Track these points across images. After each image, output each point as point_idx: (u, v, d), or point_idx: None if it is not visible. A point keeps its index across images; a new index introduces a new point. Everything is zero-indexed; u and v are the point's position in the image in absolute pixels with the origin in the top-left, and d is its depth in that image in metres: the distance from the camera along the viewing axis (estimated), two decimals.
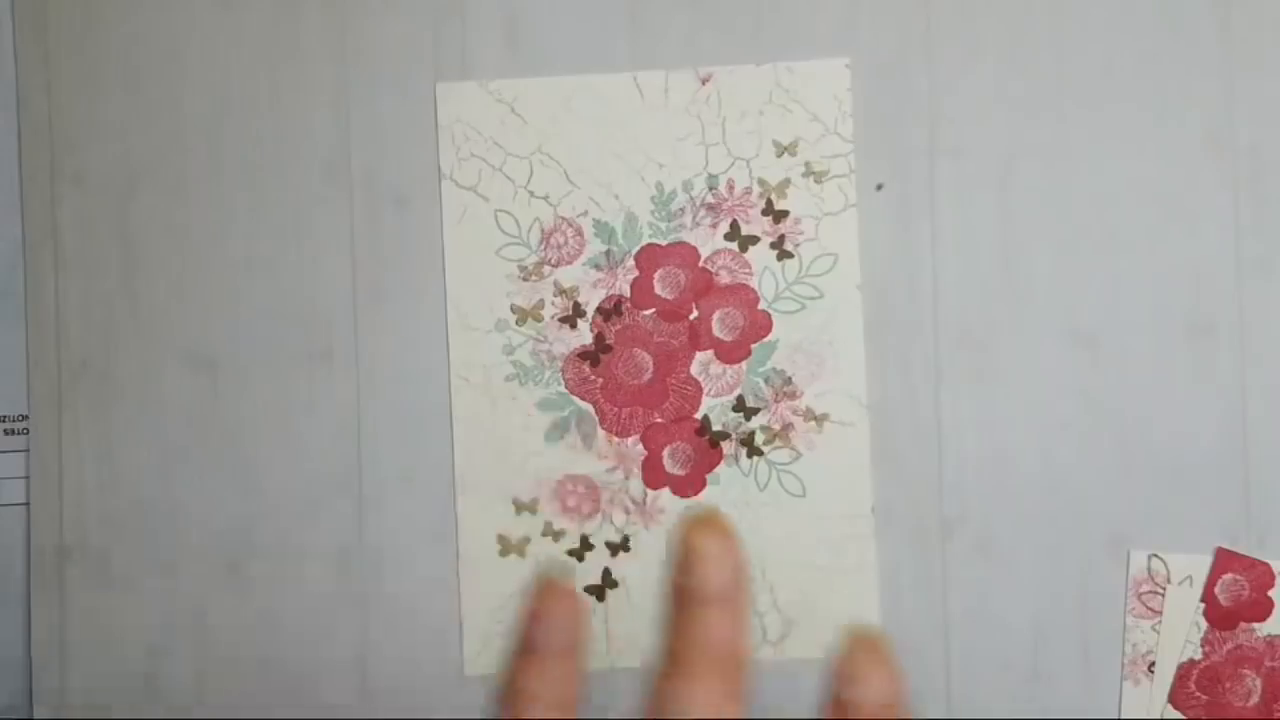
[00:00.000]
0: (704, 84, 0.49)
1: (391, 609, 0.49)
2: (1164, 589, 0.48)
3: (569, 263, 0.49)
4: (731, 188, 0.49)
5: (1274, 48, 0.48)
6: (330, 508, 0.49)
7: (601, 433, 0.49)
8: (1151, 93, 0.49)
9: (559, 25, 0.49)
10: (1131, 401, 0.48)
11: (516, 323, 0.49)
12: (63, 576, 0.49)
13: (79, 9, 0.50)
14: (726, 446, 0.49)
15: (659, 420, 0.49)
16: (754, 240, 0.49)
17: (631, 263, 0.49)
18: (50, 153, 0.50)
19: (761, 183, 0.49)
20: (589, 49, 0.49)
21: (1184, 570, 0.48)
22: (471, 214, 0.49)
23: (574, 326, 0.49)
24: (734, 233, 0.49)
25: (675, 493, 0.49)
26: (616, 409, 0.49)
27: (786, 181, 0.49)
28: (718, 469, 0.49)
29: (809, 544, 0.49)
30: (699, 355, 0.49)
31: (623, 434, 0.49)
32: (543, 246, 0.49)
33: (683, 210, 0.49)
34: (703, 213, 0.49)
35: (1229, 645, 0.48)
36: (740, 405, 0.49)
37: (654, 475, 0.49)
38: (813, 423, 0.49)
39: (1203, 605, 0.48)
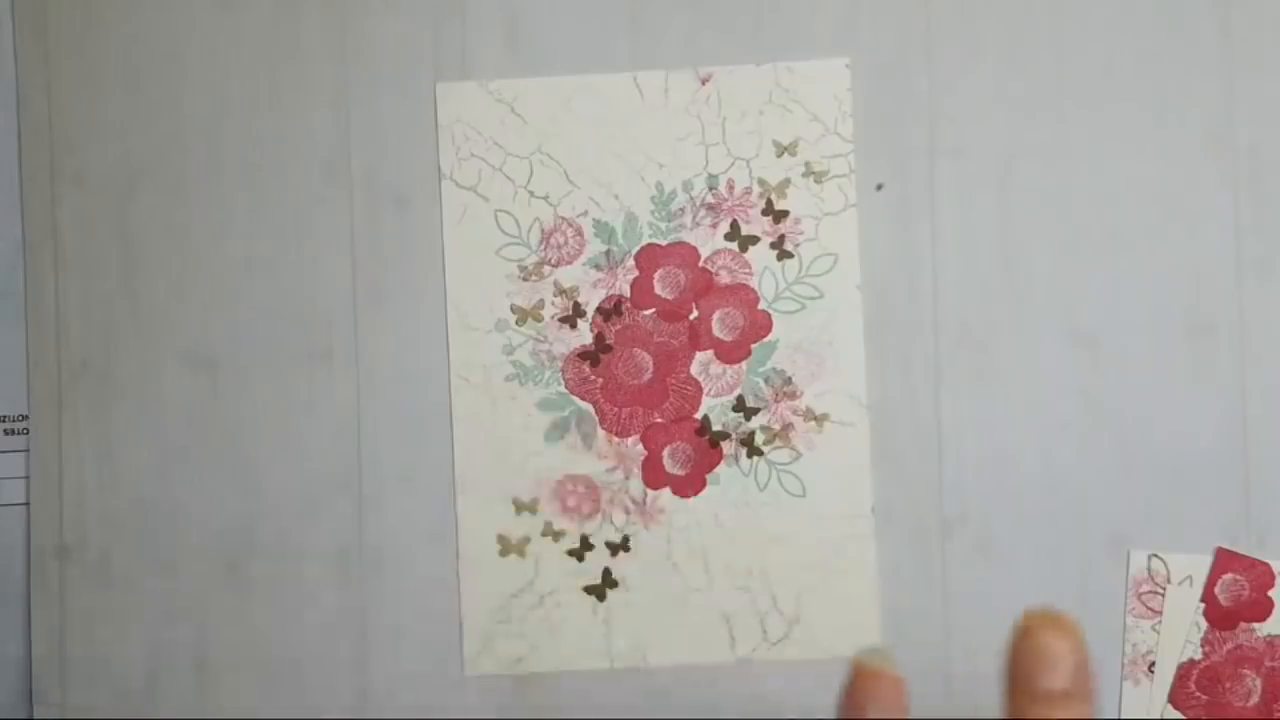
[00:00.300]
0: (704, 84, 0.49)
1: (391, 609, 0.49)
2: (1164, 589, 0.48)
3: (569, 263, 0.49)
4: (731, 188, 0.49)
5: (1274, 48, 0.48)
6: (330, 508, 0.49)
7: (601, 433, 0.49)
8: (1151, 93, 0.49)
9: (559, 25, 0.49)
10: (1131, 401, 0.48)
11: (516, 323, 0.49)
12: (63, 576, 0.49)
13: (79, 9, 0.50)
14: (726, 446, 0.49)
15: (659, 420, 0.49)
16: (754, 240, 0.49)
17: (631, 263, 0.49)
18: (50, 153, 0.50)
19: (761, 183, 0.49)
20: (589, 49, 0.49)
21: (1184, 570, 0.48)
22: (471, 214, 0.49)
23: (574, 326, 0.49)
24: (734, 233, 0.49)
25: (675, 493, 0.49)
26: (616, 409, 0.49)
27: (786, 181, 0.49)
28: (718, 469, 0.49)
29: (809, 544, 0.49)
30: (699, 355, 0.49)
31: (623, 434, 0.49)
32: (543, 246, 0.49)
33: (683, 210, 0.49)
34: (703, 213, 0.49)
35: (1229, 645, 0.48)
36: (740, 405, 0.49)
37: (654, 475, 0.49)
38: (813, 423, 0.49)
39: (1203, 605, 0.48)
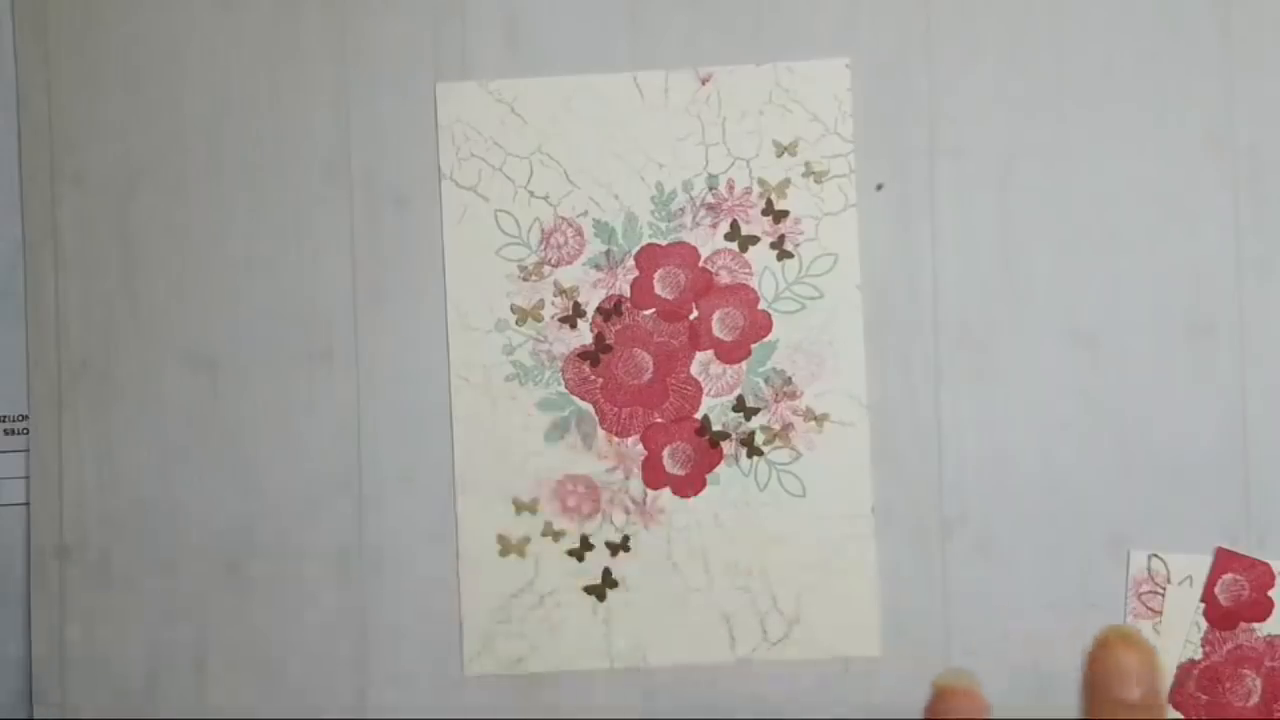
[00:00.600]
0: (704, 84, 0.49)
1: (391, 609, 0.49)
2: (1164, 589, 0.48)
3: (569, 263, 0.49)
4: (731, 188, 0.49)
5: (1274, 48, 0.48)
6: (330, 508, 0.49)
7: (601, 433, 0.49)
8: (1151, 93, 0.49)
9: (559, 25, 0.49)
10: (1131, 401, 0.48)
11: (516, 323, 0.49)
12: (63, 576, 0.49)
13: (79, 9, 0.50)
14: (726, 446, 0.49)
15: (659, 420, 0.49)
16: (754, 240, 0.49)
17: (631, 263, 0.49)
18: (50, 153, 0.50)
19: (761, 183, 0.49)
20: (589, 49, 0.49)
21: (1184, 570, 0.48)
22: (471, 214, 0.49)
23: (574, 326, 0.49)
24: (734, 233, 0.49)
25: (675, 493, 0.49)
26: (616, 409, 0.49)
27: (786, 181, 0.49)
28: (718, 469, 0.49)
29: (809, 544, 0.49)
30: (699, 355, 0.49)
31: (623, 434, 0.49)
32: (543, 246, 0.49)
33: (683, 210, 0.49)
34: (703, 213, 0.49)
35: (1229, 645, 0.48)
36: (740, 405, 0.49)
37: (654, 475, 0.49)
38: (813, 423, 0.49)
39: (1203, 605, 0.48)
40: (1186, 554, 0.48)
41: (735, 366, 0.49)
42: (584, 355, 0.49)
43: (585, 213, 0.49)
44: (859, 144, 0.49)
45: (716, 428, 0.49)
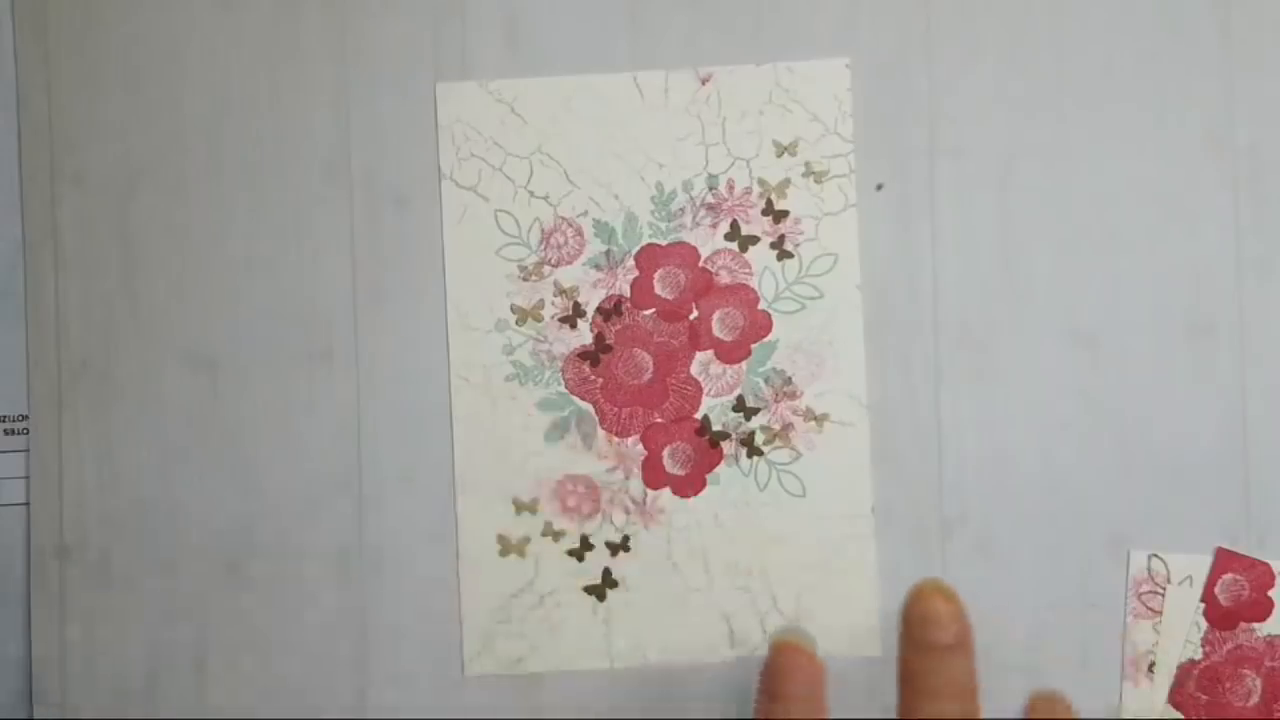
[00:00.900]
0: (704, 84, 0.49)
1: (391, 609, 0.49)
2: (1164, 589, 0.48)
3: (569, 263, 0.49)
4: (731, 188, 0.49)
5: (1274, 48, 0.49)
6: (330, 508, 0.49)
7: (601, 433, 0.49)
8: (1151, 93, 0.49)
9: (559, 25, 0.49)
10: (1131, 401, 0.48)
11: (516, 323, 0.49)
12: (63, 576, 0.49)
13: (79, 9, 0.50)
14: (726, 446, 0.49)
15: (659, 420, 0.49)
16: (754, 240, 0.49)
17: (631, 263, 0.49)
18: (50, 153, 0.50)
19: (761, 183, 0.49)
20: (589, 49, 0.49)
21: (1184, 570, 0.48)
22: (471, 214, 0.49)
23: (574, 326, 0.49)
24: (734, 233, 0.49)
25: (675, 493, 0.49)
26: (616, 409, 0.49)
27: (786, 181, 0.49)
28: (718, 469, 0.49)
29: (809, 544, 0.49)
30: (699, 355, 0.49)
31: (623, 434, 0.49)
32: (543, 246, 0.49)
33: (683, 210, 0.49)
34: (703, 213, 0.49)
35: (1229, 645, 0.48)
36: (740, 405, 0.49)
37: (654, 475, 0.49)
38: (813, 423, 0.49)
39: (1203, 605, 0.48)
40: (1186, 554, 0.48)
41: (735, 366, 0.49)
42: (584, 355, 0.49)
43: (585, 213, 0.49)
44: (859, 144, 0.49)
45: (716, 428, 0.49)
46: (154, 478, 0.49)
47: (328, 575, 0.49)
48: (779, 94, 0.49)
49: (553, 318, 0.49)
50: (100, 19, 0.50)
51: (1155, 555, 0.48)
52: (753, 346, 0.49)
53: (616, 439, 0.49)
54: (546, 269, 0.49)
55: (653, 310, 0.49)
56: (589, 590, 0.49)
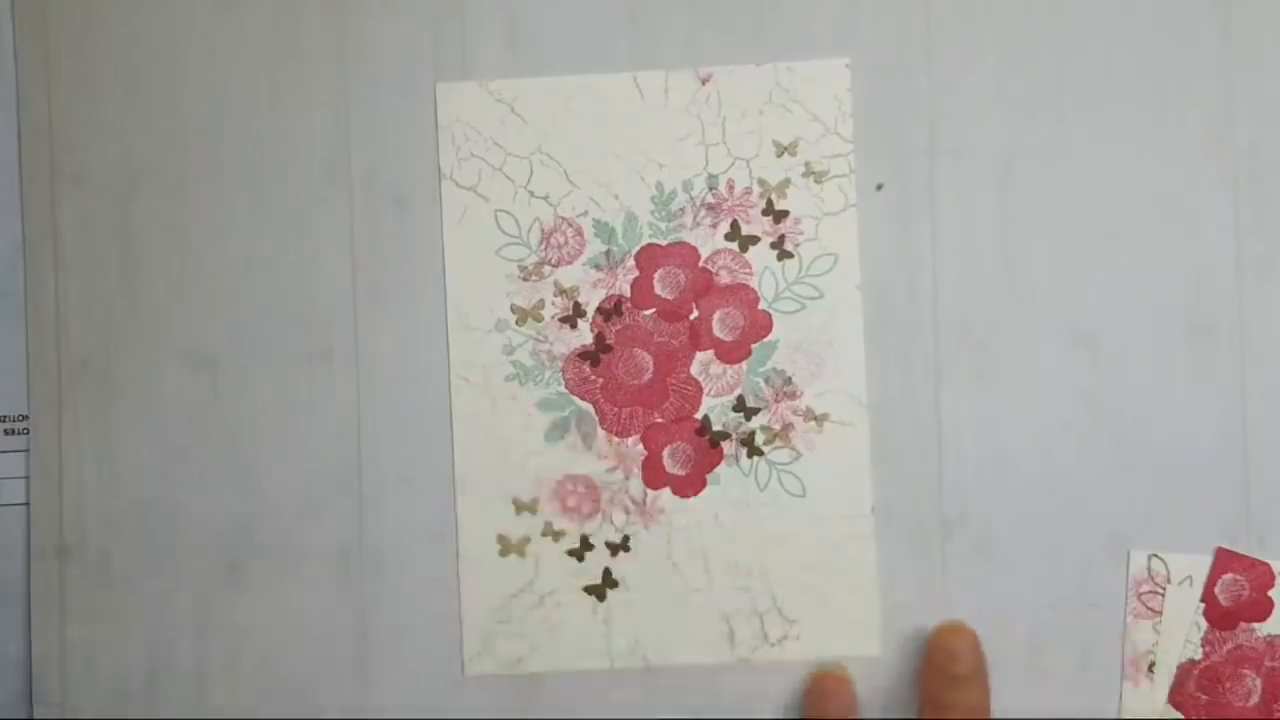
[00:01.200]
0: (704, 84, 0.49)
1: (391, 609, 0.49)
2: (1164, 589, 0.48)
3: (569, 263, 0.49)
4: (731, 188, 0.49)
5: (1274, 48, 0.49)
6: (330, 508, 0.49)
7: (601, 433, 0.49)
8: (1151, 93, 0.49)
9: (559, 25, 0.49)
10: (1131, 401, 0.48)
11: (516, 323, 0.49)
12: (63, 576, 0.49)
13: (79, 9, 0.50)
14: (727, 446, 0.49)
15: (659, 420, 0.49)
16: (754, 240, 0.49)
17: (631, 263, 0.49)
18: (50, 153, 0.50)
19: (761, 183, 0.49)
20: (589, 49, 0.49)
21: (1184, 570, 0.48)
22: (471, 214, 0.49)
23: (574, 326, 0.49)
24: (734, 233, 0.49)
25: (675, 493, 0.49)
26: (616, 409, 0.49)
27: (786, 181, 0.49)
28: (718, 469, 0.49)
29: (809, 544, 0.49)
30: (699, 355, 0.49)
31: (623, 434, 0.49)
32: (543, 246, 0.49)
33: (683, 210, 0.49)
34: (703, 213, 0.49)
35: (1229, 645, 0.48)
36: (740, 405, 0.49)
37: (654, 475, 0.49)
38: (813, 423, 0.49)
39: (1203, 605, 0.48)
40: (1186, 554, 0.48)
41: (735, 366, 0.49)
42: (584, 355, 0.49)
43: (585, 213, 0.49)
44: (859, 144, 0.49)
45: (717, 428, 0.49)
46: (154, 478, 0.49)
47: (328, 575, 0.49)
48: (779, 94, 0.49)
49: (553, 318, 0.49)
50: (100, 19, 0.50)
51: (1155, 555, 0.48)
52: (753, 346, 0.49)
53: (616, 439, 0.49)
54: (546, 269, 0.49)
55: (653, 310, 0.49)
56: (589, 590, 0.49)
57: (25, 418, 0.50)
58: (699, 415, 0.49)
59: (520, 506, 0.49)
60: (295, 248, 0.50)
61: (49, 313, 0.50)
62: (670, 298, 0.49)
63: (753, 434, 0.49)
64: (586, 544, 0.49)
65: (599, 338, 0.49)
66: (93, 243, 0.50)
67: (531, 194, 0.49)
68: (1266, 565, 0.48)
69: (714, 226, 0.49)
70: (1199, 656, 0.48)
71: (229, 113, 0.50)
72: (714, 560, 0.49)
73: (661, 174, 0.49)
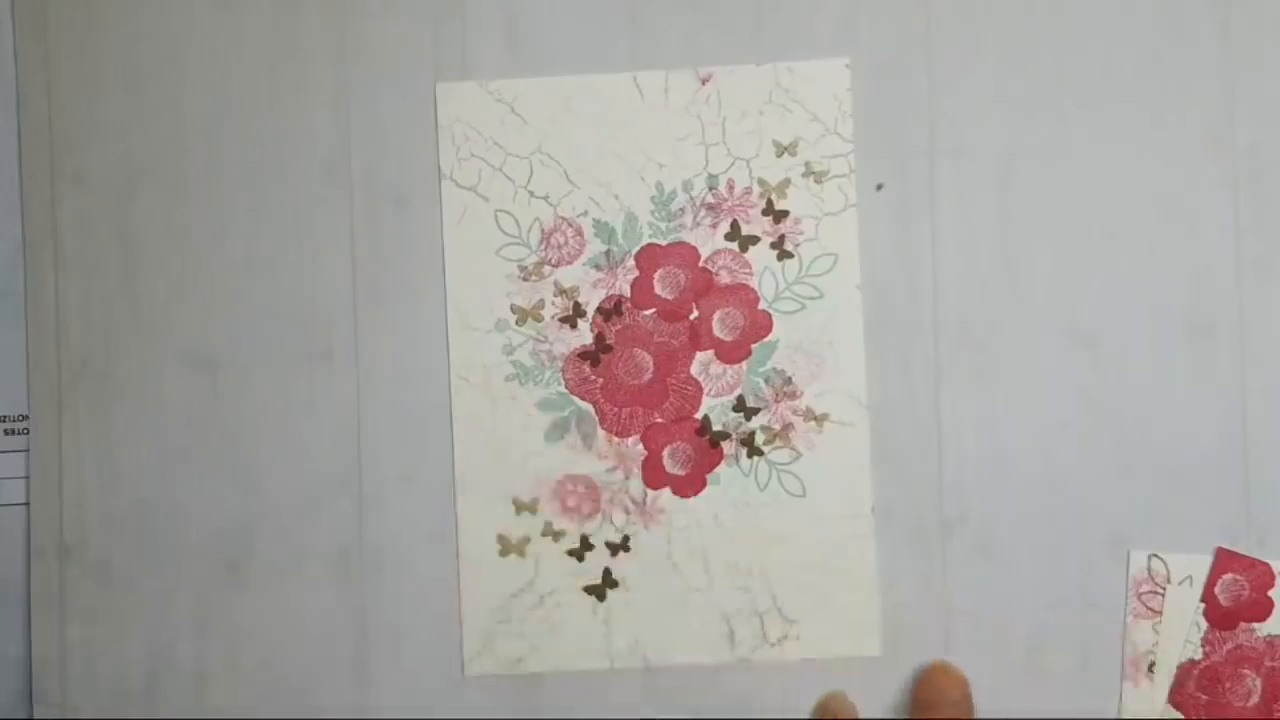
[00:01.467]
0: (704, 84, 0.49)
1: (391, 609, 0.49)
2: (1164, 589, 0.48)
3: (569, 263, 0.49)
4: (731, 188, 0.49)
5: (1274, 48, 0.48)
6: (330, 508, 0.49)
7: (601, 433, 0.49)
8: (1151, 93, 0.49)
9: (559, 25, 0.49)
10: (1131, 401, 0.48)
11: (516, 323, 0.49)
12: (63, 576, 0.49)
13: (79, 9, 0.50)
14: (727, 446, 0.49)
15: (659, 420, 0.49)
16: (754, 240, 0.49)
17: (631, 263, 0.49)
18: (50, 153, 0.50)
19: (761, 183, 0.49)
20: (589, 49, 0.49)
21: (1184, 570, 0.48)
22: (471, 214, 0.49)
23: (574, 326, 0.49)
24: (734, 233, 0.49)
25: (675, 493, 0.49)
26: (616, 409, 0.49)
27: (786, 181, 0.49)
28: (718, 469, 0.49)
29: (809, 544, 0.49)
30: (699, 355, 0.49)
31: (623, 434, 0.49)
32: (543, 246, 0.49)
33: (683, 210, 0.49)
34: (703, 213, 0.49)
35: (1229, 645, 0.48)
36: (740, 405, 0.49)
37: (654, 475, 0.49)
38: (813, 423, 0.49)
39: (1203, 605, 0.48)
40: (1186, 554, 0.48)
41: (735, 366, 0.49)
42: (584, 355, 0.49)
43: (585, 213, 0.49)
44: (859, 144, 0.49)
45: (717, 428, 0.49)
46: (154, 478, 0.49)
47: (328, 575, 0.49)
48: (779, 94, 0.49)
49: (553, 318, 0.49)
50: (100, 19, 0.50)
51: (1155, 555, 0.48)
52: (753, 346, 0.49)
53: (616, 439, 0.49)
54: (546, 269, 0.49)
55: (653, 310, 0.49)
56: (589, 590, 0.49)
57: (25, 418, 0.50)
58: (699, 415, 0.49)
59: (520, 506, 0.49)
60: (295, 248, 0.50)
61: (49, 313, 0.50)
62: (670, 298, 0.49)
63: (753, 434, 0.49)
64: (586, 544, 0.49)
65: (599, 338, 0.49)
66: (93, 243, 0.50)
67: (531, 194, 0.49)
68: (1266, 565, 0.48)
69: (714, 226, 0.49)
70: (1199, 656, 0.48)
71: (229, 113, 0.50)
72: (714, 560, 0.49)
73: (661, 174, 0.49)
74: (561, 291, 0.49)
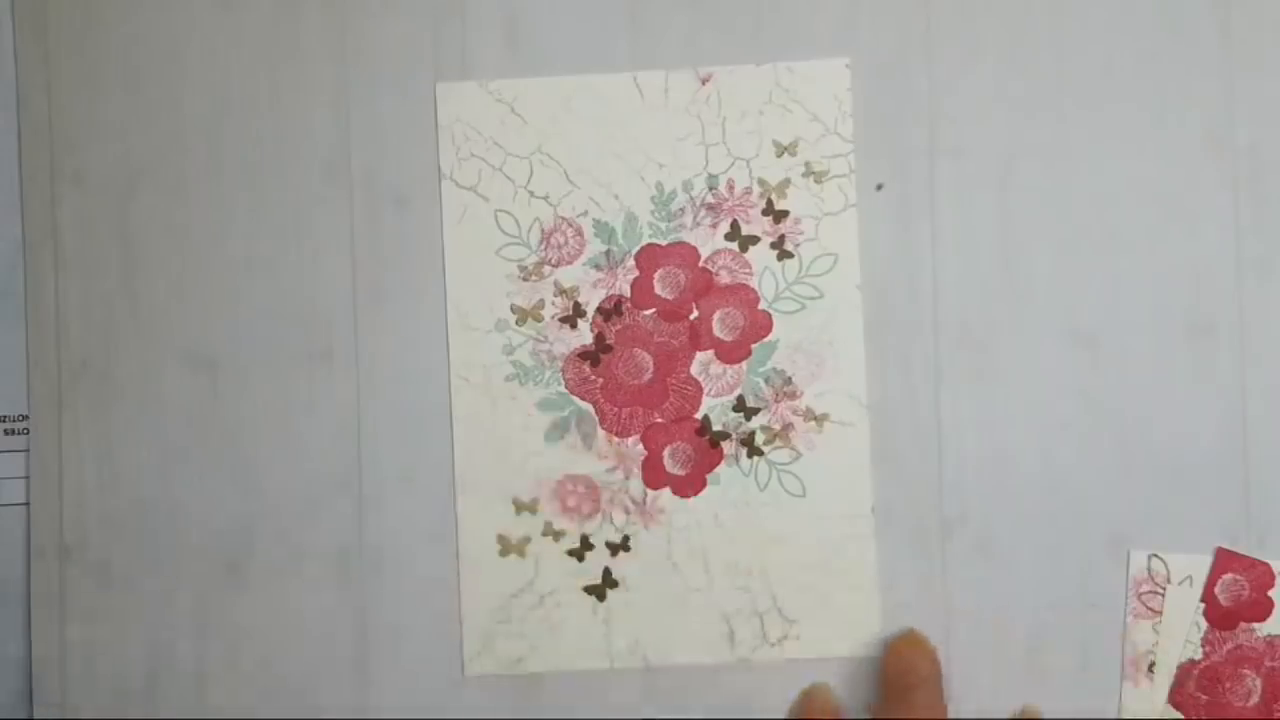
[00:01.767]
0: (704, 84, 0.49)
1: (391, 609, 0.49)
2: (1164, 589, 0.48)
3: (569, 263, 0.49)
4: (731, 188, 0.49)
5: (1274, 48, 0.49)
6: (330, 508, 0.49)
7: (601, 433, 0.49)
8: (1151, 93, 0.49)
9: (559, 25, 0.49)
10: (1131, 401, 0.48)
11: (516, 323, 0.49)
12: (63, 576, 0.49)
13: (79, 9, 0.50)
14: (727, 446, 0.49)
15: (659, 420, 0.49)
16: (754, 240, 0.49)
17: (631, 263, 0.49)
18: (50, 153, 0.50)
19: (761, 183, 0.49)
20: (589, 49, 0.49)
21: (1184, 570, 0.48)
22: (471, 214, 0.49)
23: (574, 326, 0.49)
24: (734, 233, 0.49)
25: (675, 493, 0.49)
26: (616, 409, 0.49)
27: (786, 181, 0.49)
28: (718, 469, 0.49)
29: (809, 544, 0.49)
30: (699, 355, 0.49)
31: (623, 434, 0.49)
32: (543, 246, 0.49)
33: (683, 210, 0.49)
34: (703, 213, 0.49)
35: (1229, 645, 0.48)
36: (740, 405, 0.49)
37: (654, 475, 0.49)
38: (813, 423, 0.49)
39: (1203, 605, 0.48)
40: (1186, 554, 0.48)
41: (735, 366, 0.49)
42: (584, 355, 0.49)
43: (585, 213, 0.49)
44: (859, 144, 0.49)
45: (717, 428, 0.49)
46: (154, 478, 0.49)
47: (328, 575, 0.49)
48: (779, 94, 0.49)
49: (553, 318, 0.49)
50: (100, 19, 0.50)
51: (1155, 555, 0.48)
52: (753, 346, 0.49)
53: (616, 439, 0.49)
54: (546, 269, 0.49)
55: (653, 310, 0.49)
56: (589, 590, 0.49)
57: (25, 418, 0.50)
58: (699, 415, 0.49)
59: (520, 506, 0.49)
60: (295, 248, 0.50)
61: (49, 313, 0.50)
62: (670, 298, 0.49)
63: (753, 434, 0.49)
64: (586, 544, 0.49)
65: (599, 338, 0.49)
66: (93, 243, 0.50)
67: (531, 194, 0.49)
68: (1266, 565, 0.48)
69: (714, 226, 0.49)
70: (1199, 656, 0.48)
71: (229, 113, 0.50)
72: (714, 560, 0.49)
73: (661, 174, 0.49)
74: (561, 291, 0.49)
